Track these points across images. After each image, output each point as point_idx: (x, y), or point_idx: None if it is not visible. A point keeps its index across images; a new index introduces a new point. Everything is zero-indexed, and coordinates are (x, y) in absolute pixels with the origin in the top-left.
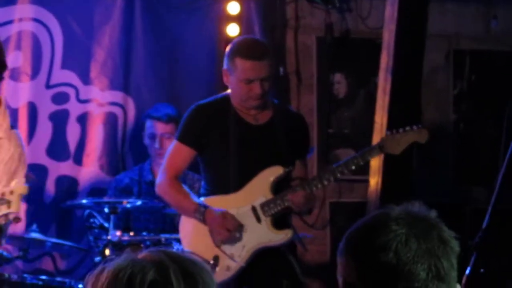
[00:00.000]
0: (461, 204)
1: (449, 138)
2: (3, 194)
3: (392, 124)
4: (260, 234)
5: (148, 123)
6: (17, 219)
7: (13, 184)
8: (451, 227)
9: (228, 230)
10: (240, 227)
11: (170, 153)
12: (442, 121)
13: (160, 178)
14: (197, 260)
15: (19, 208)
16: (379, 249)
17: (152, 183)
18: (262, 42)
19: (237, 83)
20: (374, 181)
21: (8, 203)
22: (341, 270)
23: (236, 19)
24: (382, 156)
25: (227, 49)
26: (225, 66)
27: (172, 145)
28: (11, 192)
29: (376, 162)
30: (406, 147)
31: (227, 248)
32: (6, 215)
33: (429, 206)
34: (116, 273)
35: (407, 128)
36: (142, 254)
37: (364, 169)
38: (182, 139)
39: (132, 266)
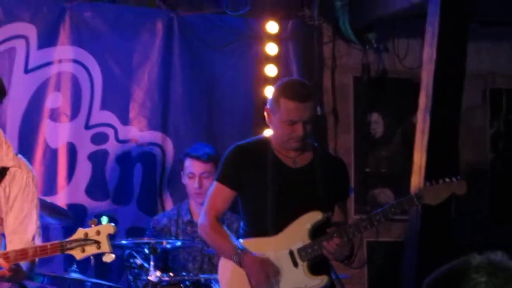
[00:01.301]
0: (498, 244)
1: (486, 177)
2: (86, 234)
3: (431, 165)
4: (296, 279)
5: (187, 162)
6: (109, 257)
7: (95, 223)
8: None
9: (266, 275)
10: (277, 272)
11: (211, 194)
12: (479, 160)
13: (202, 219)
14: None
15: (110, 248)
16: None
17: (190, 223)
18: (307, 84)
19: (280, 123)
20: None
21: (97, 243)
22: None
23: (274, 59)
24: None
25: (273, 89)
26: (268, 106)
27: (212, 186)
28: (98, 232)
29: None
30: (444, 199)
31: None
32: (103, 255)
33: (466, 246)
34: None
35: (447, 179)
36: None
37: None
38: (222, 179)
39: None
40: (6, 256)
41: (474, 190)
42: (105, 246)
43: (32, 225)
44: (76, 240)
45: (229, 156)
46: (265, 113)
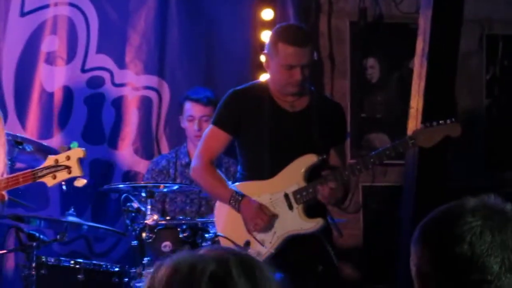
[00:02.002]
0: (494, 188)
1: (482, 122)
2: (56, 161)
3: (427, 110)
4: (291, 222)
5: (187, 105)
6: (81, 181)
7: (65, 150)
8: None
9: (262, 221)
10: (274, 217)
11: (206, 138)
12: (475, 106)
13: (195, 162)
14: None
15: (82, 171)
16: (454, 241)
17: (188, 165)
18: (305, 29)
19: (278, 68)
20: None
21: (68, 168)
22: (415, 260)
23: (271, 3)
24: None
25: (270, 33)
26: (266, 50)
27: (207, 130)
28: (68, 158)
29: None
30: (438, 141)
31: (258, 234)
32: (75, 179)
33: (461, 190)
34: (175, 265)
35: (441, 121)
36: (201, 250)
37: None
38: (218, 123)
39: (192, 259)
40: None
41: (469, 135)
42: (76, 170)
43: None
44: (46, 167)
45: (226, 100)
46: (263, 58)
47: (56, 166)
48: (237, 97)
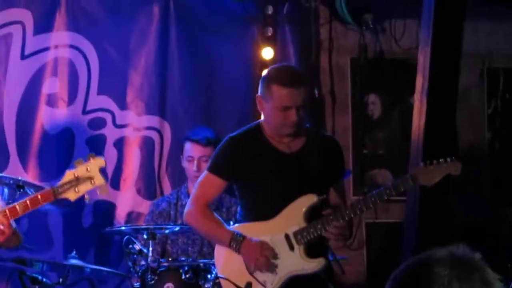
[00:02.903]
0: (498, 224)
1: (484, 156)
2: (77, 177)
3: (428, 147)
4: (292, 262)
5: (187, 146)
6: (105, 190)
7: (81, 163)
8: (487, 247)
9: (266, 259)
10: (276, 257)
11: (201, 183)
12: (477, 140)
13: (190, 207)
14: None
15: (104, 179)
16: None
17: None
18: (299, 70)
19: (273, 110)
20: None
21: (90, 179)
22: None
23: (271, 41)
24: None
25: (263, 75)
26: (259, 93)
27: (203, 176)
28: (87, 169)
29: None
30: (439, 180)
31: (260, 275)
32: (100, 190)
33: (466, 226)
34: None
35: (441, 160)
36: None
37: None
38: (214, 170)
39: None
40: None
41: (472, 170)
42: (99, 179)
43: None
44: (67, 183)
45: (222, 148)
46: (257, 101)
47: (78, 179)
48: (233, 143)
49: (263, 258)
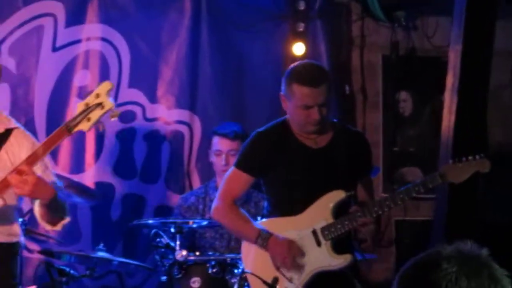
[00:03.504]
0: None
1: None
2: (87, 104)
3: (458, 145)
4: (319, 258)
5: (215, 140)
6: (117, 114)
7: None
8: None
9: (292, 257)
10: (302, 254)
11: (228, 179)
12: (507, 138)
13: (217, 203)
14: None
15: (112, 103)
16: None
17: None
18: (320, 66)
19: (295, 109)
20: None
21: (100, 105)
22: None
23: (302, 37)
24: None
25: (285, 74)
26: (282, 92)
27: (230, 171)
28: (97, 96)
29: None
30: (467, 177)
31: (286, 271)
32: (111, 115)
33: (493, 225)
34: None
35: (470, 157)
36: None
37: None
38: (241, 166)
39: None
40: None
41: (502, 168)
42: (108, 103)
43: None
44: (79, 114)
45: (250, 143)
46: (281, 99)
47: (88, 108)
48: (260, 139)
49: (289, 257)
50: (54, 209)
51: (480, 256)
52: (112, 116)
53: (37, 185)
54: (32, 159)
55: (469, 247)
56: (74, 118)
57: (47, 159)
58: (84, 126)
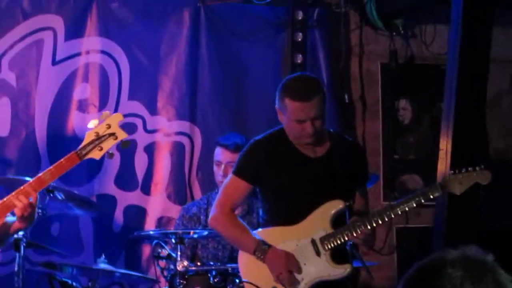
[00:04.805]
0: None
1: None
2: (97, 134)
3: (456, 152)
4: (319, 268)
5: (217, 150)
6: (128, 143)
7: (98, 123)
8: None
9: (290, 271)
10: (300, 267)
11: (226, 187)
12: (507, 145)
13: (215, 212)
14: None
15: (125, 133)
16: None
17: None
18: (312, 79)
19: (289, 122)
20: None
21: (113, 135)
22: None
23: (301, 47)
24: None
25: (278, 88)
26: (276, 105)
27: (228, 179)
28: (108, 126)
29: None
30: (467, 188)
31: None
32: (122, 142)
33: (495, 231)
34: None
35: (470, 168)
36: None
37: None
38: (239, 173)
39: None
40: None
41: (502, 175)
42: (121, 134)
43: None
44: (90, 143)
45: (248, 151)
46: (277, 112)
47: (100, 138)
48: (258, 146)
49: (286, 273)
50: (16, 233)
51: (485, 261)
52: (123, 146)
53: (34, 211)
54: (38, 184)
55: (474, 252)
56: (85, 147)
57: None
58: (96, 154)
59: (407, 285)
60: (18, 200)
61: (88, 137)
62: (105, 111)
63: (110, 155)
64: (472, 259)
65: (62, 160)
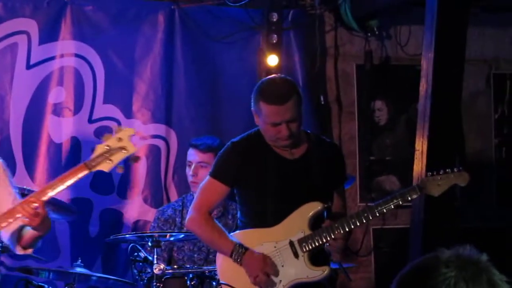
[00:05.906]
0: (505, 228)
1: (491, 161)
2: (108, 146)
3: (433, 152)
4: (297, 270)
5: (189, 151)
6: (137, 158)
7: (111, 136)
8: (495, 251)
9: (267, 274)
10: (277, 270)
11: (203, 189)
12: (484, 145)
13: (192, 213)
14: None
15: (135, 147)
16: None
17: None
18: (286, 81)
19: (264, 125)
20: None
21: (123, 149)
22: None
23: (276, 49)
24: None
25: (253, 91)
26: (252, 108)
27: (205, 181)
28: (119, 140)
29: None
30: (445, 189)
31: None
32: (131, 158)
33: (473, 230)
34: None
35: (448, 170)
36: None
37: None
38: (216, 175)
39: None
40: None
41: (480, 175)
42: (131, 148)
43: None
44: (99, 155)
45: (225, 153)
46: (253, 114)
47: (111, 150)
48: (235, 148)
49: (263, 275)
50: (40, 239)
51: (479, 261)
52: (132, 160)
53: (45, 219)
54: (43, 193)
55: (468, 252)
56: (94, 159)
57: (14, 190)
58: (105, 167)
59: (401, 285)
60: (22, 208)
61: (99, 150)
62: (119, 126)
63: (120, 168)
64: (466, 259)
65: (71, 170)
